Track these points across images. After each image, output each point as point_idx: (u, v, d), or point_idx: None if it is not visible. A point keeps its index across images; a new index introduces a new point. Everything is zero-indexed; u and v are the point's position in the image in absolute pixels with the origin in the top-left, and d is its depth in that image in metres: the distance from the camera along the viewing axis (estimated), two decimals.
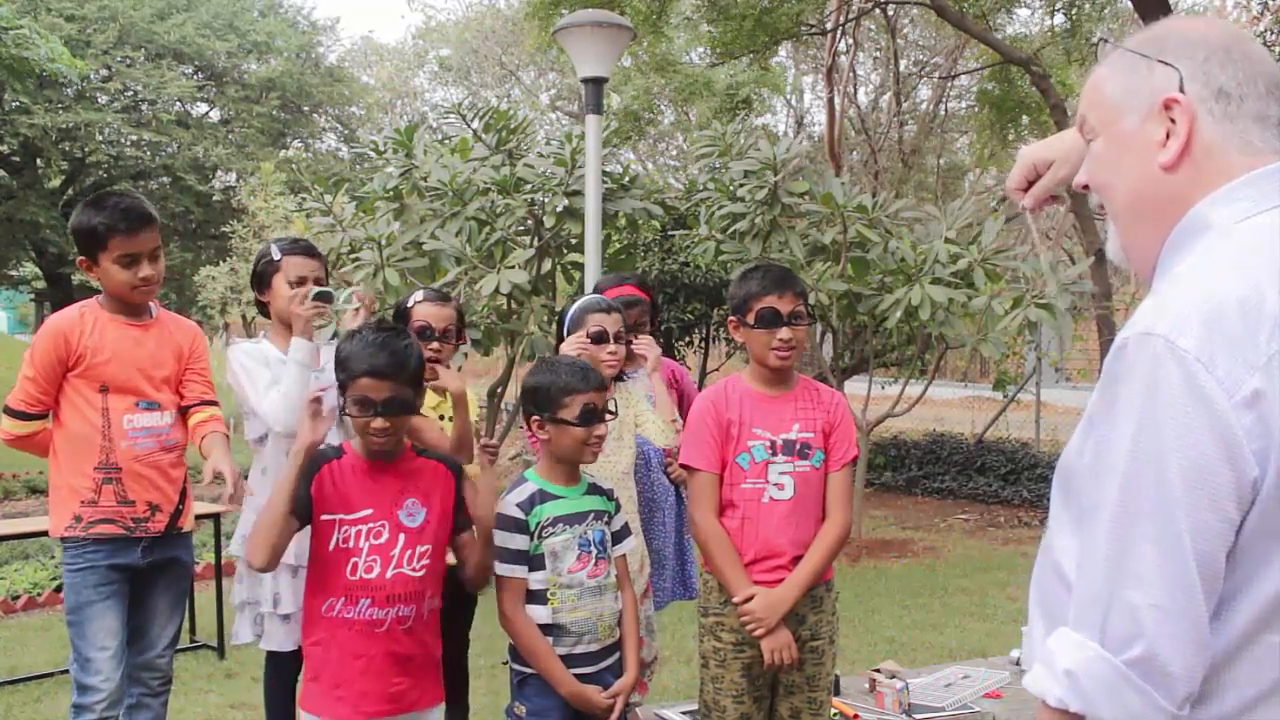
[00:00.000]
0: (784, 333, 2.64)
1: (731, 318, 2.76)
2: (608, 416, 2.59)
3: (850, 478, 2.76)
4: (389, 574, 2.39)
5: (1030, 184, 1.74)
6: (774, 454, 2.67)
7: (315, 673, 2.43)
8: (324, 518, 2.39)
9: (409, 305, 3.24)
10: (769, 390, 2.74)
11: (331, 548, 2.38)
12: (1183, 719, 1.10)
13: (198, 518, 4.94)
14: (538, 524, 2.53)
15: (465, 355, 5.72)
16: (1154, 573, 1.09)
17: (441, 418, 3.25)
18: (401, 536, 2.41)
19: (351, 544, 2.37)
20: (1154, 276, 1.25)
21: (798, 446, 2.68)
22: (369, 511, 2.39)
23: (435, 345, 3.16)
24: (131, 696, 3.07)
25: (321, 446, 2.42)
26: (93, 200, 2.96)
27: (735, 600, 2.65)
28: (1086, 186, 1.34)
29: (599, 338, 3.08)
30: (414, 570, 2.42)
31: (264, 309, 3.22)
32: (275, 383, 2.95)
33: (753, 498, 2.67)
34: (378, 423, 2.35)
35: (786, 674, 2.73)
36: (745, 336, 2.72)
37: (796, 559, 2.67)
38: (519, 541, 2.51)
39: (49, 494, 2.95)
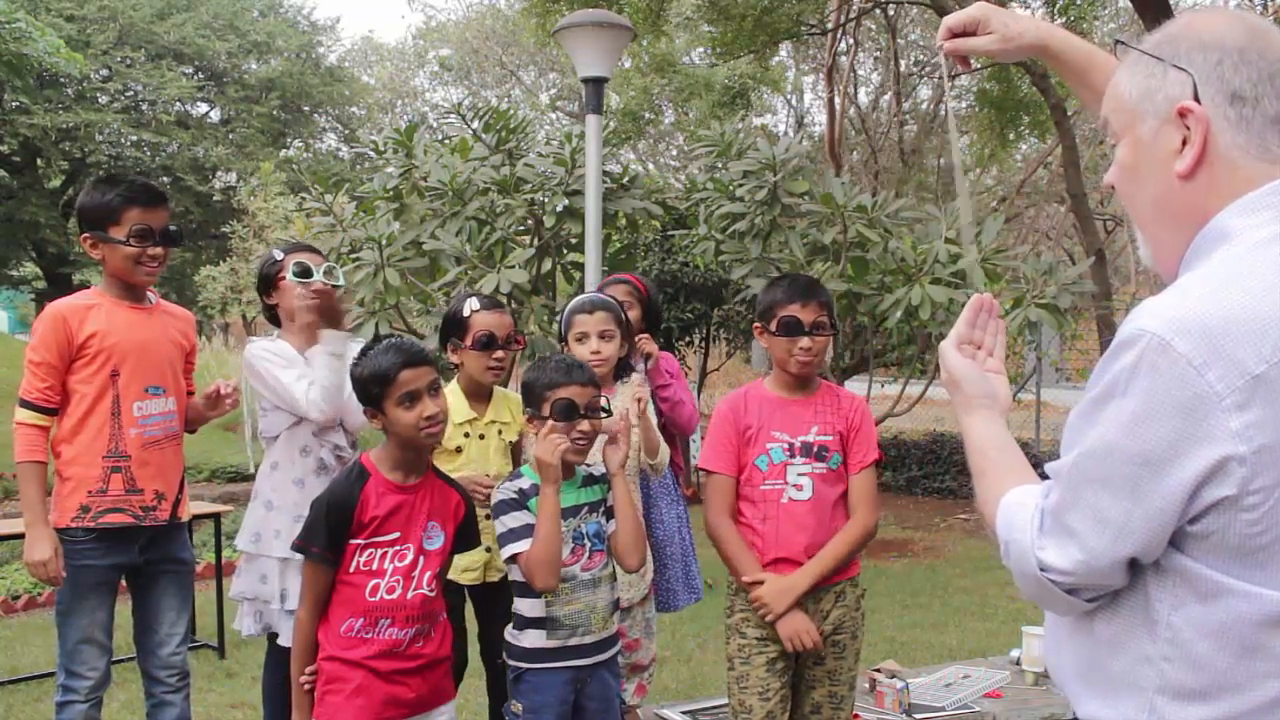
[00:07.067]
0: (805, 341, 2.71)
1: (756, 323, 2.83)
2: (592, 415, 2.56)
3: (872, 479, 2.81)
4: (409, 594, 2.39)
5: (963, 35, 1.74)
6: (792, 455, 2.73)
7: (330, 689, 2.40)
8: (351, 542, 2.38)
9: (465, 315, 3.06)
10: (788, 394, 2.80)
11: (352, 570, 2.37)
12: (1046, 577, 1.21)
13: (198, 517, 4.99)
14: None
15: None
16: (1089, 528, 1.18)
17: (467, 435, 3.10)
18: (421, 559, 2.42)
19: (375, 565, 2.37)
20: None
21: (815, 449, 2.74)
22: (396, 535, 2.40)
23: (500, 354, 3.04)
24: (153, 697, 3.08)
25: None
26: (105, 178, 2.97)
27: (744, 580, 2.71)
28: (1113, 187, 1.32)
29: (580, 339, 3.14)
30: (430, 590, 2.43)
31: (271, 314, 3.19)
32: (303, 377, 2.91)
33: (772, 498, 2.73)
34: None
35: (809, 668, 2.78)
36: (769, 343, 2.79)
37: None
38: (525, 517, 2.52)
39: (55, 485, 2.93)
